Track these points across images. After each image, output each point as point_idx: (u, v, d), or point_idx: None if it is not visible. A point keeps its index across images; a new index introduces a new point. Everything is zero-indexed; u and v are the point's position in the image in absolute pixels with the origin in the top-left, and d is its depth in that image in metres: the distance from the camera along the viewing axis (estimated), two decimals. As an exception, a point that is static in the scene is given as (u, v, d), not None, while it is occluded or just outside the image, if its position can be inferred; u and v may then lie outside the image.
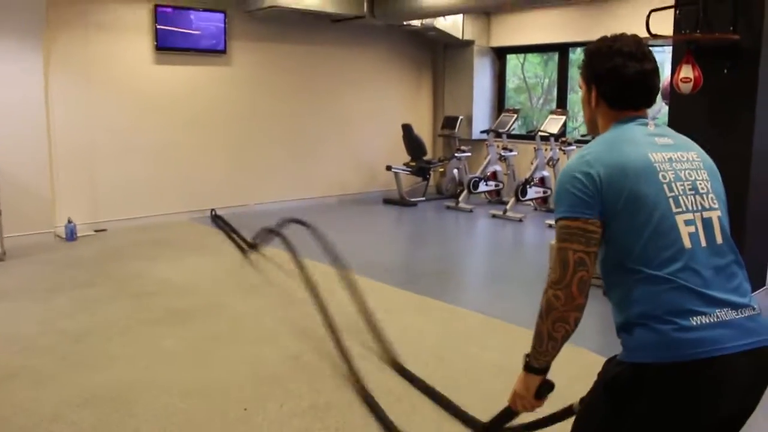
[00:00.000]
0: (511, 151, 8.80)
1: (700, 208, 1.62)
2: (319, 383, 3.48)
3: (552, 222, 7.63)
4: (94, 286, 5.17)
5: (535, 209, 8.69)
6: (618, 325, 1.64)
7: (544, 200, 8.60)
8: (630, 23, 7.93)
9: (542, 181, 8.48)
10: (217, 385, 3.46)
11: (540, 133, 8.41)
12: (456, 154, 9.32)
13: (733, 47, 4.49)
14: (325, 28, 8.82)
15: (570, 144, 8.12)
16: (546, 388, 1.76)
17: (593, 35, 7.06)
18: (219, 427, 3.04)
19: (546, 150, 8.45)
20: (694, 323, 1.50)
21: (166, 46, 7.46)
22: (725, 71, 4.58)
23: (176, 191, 7.79)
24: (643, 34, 5.39)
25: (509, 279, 5.73)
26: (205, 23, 7.71)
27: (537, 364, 1.71)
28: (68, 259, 6.04)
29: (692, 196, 1.62)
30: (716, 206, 1.65)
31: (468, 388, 3.43)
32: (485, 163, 9.00)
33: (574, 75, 9.53)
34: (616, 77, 1.72)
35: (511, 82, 10.32)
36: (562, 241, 1.61)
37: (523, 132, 9.54)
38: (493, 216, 8.28)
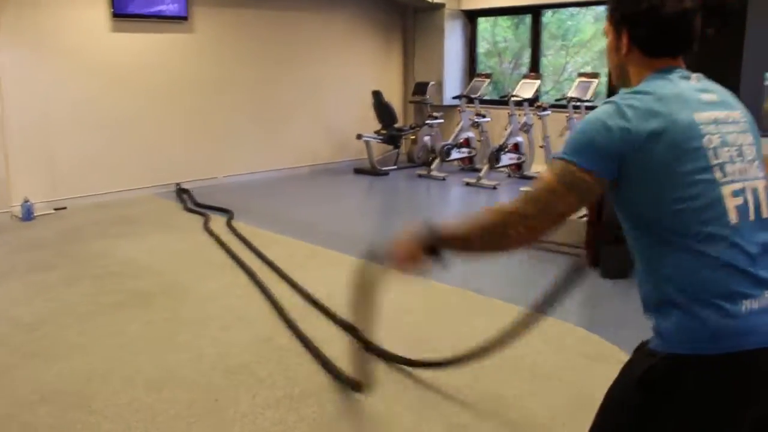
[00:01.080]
0: (483, 117, 8.60)
1: (747, 177, 1.41)
2: (293, 370, 3.29)
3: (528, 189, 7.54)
4: (52, 269, 4.90)
5: (509, 176, 8.53)
6: (648, 300, 1.44)
7: (518, 167, 8.44)
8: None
9: (516, 148, 8.31)
10: (185, 374, 3.25)
11: (513, 98, 8.22)
12: (427, 121, 9.11)
13: (720, 6, 4.32)
14: (290, -8, 8.49)
15: (545, 109, 7.94)
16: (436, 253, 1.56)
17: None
18: (188, 422, 2.83)
19: (520, 115, 8.27)
20: (743, 309, 1.31)
21: (124, 12, 7.08)
22: (710, 32, 4.41)
23: (139, 165, 7.48)
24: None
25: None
26: (163, -12, 7.33)
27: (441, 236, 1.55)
28: (24, 240, 5.74)
29: (740, 164, 1.41)
30: (762, 175, 1.45)
31: (456, 370, 3.27)
32: (457, 129, 8.80)
33: (547, 38, 9.34)
34: (652, 18, 1.47)
35: (481, 46, 10.09)
36: (559, 183, 1.41)
37: (495, 97, 9.35)
38: (467, 184, 8.11)
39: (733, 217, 1.36)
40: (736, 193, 1.38)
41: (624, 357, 3.35)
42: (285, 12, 8.55)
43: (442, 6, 9.32)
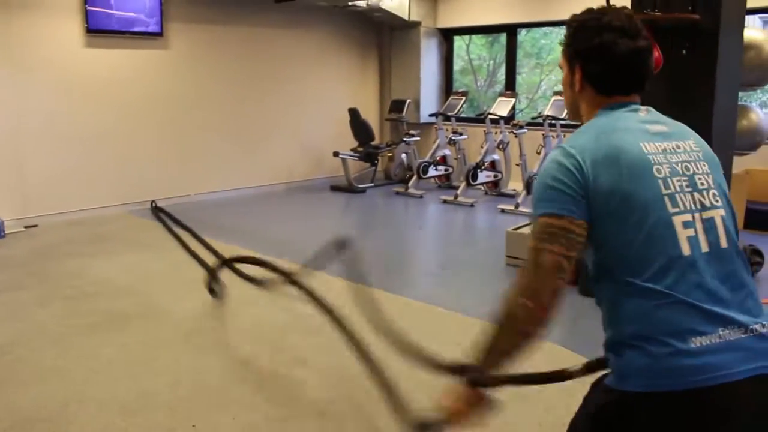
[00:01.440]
0: (460, 134, 8.64)
1: (699, 207, 1.39)
2: (273, 392, 3.24)
3: (505, 207, 7.63)
4: (23, 289, 4.79)
5: (486, 193, 8.56)
6: (606, 343, 1.42)
7: (495, 184, 8.48)
8: (582, 4, 7.84)
9: (493, 165, 8.35)
10: (162, 398, 3.18)
11: (490, 116, 8.27)
12: (404, 139, 9.12)
13: (693, 27, 4.39)
14: (267, 9, 8.46)
15: (521, 127, 7.99)
16: (489, 402, 1.50)
17: (543, 16, 6.98)
18: (165, 448, 2.78)
19: (496, 133, 8.32)
20: (694, 346, 1.29)
21: (98, 28, 7.01)
22: (684, 51, 4.48)
23: (113, 182, 7.38)
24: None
25: (463, 267, 5.57)
26: (139, 4, 7.28)
27: (480, 379, 1.47)
28: (-5, 259, 5.62)
29: (690, 194, 1.40)
30: (719, 204, 1.42)
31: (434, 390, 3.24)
32: (434, 147, 8.82)
33: (521, 56, 9.43)
34: (605, 56, 1.48)
35: (456, 64, 10.15)
36: (540, 240, 1.38)
37: (471, 115, 9.41)
38: (444, 201, 8.12)
39: (685, 248, 1.35)
40: (686, 224, 1.37)
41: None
42: (260, 29, 8.53)
43: (418, 24, 9.37)
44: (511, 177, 8.52)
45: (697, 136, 1.53)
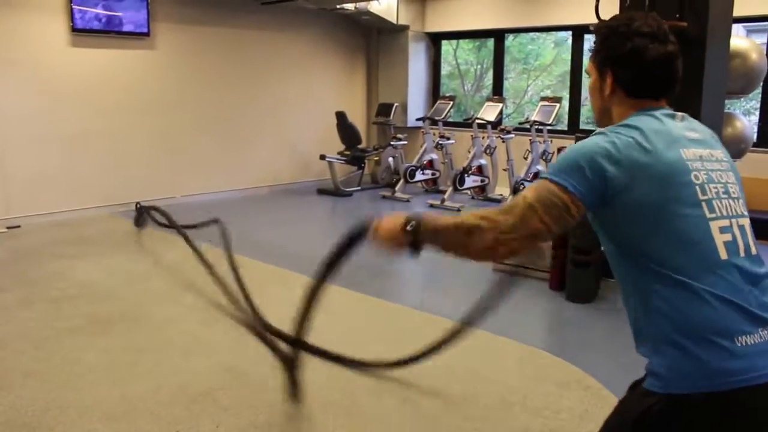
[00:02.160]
0: (448, 139, 8.64)
1: (734, 213, 1.42)
2: (257, 398, 3.21)
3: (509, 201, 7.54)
4: (5, 291, 4.72)
5: (473, 198, 8.57)
6: (642, 338, 1.42)
7: (482, 189, 8.48)
8: (569, 11, 7.92)
9: (480, 170, 8.35)
10: (144, 404, 3.14)
11: (477, 121, 8.27)
12: (391, 143, 9.11)
13: (680, 34, 4.40)
14: (255, 11, 8.43)
15: (508, 132, 8.00)
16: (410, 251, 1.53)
17: (530, 21, 6.99)
18: (147, 455, 2.74)
19: (483, 138, 8.33)
20: (740, 345, 1.30)
21: (84, 27, 6.95)
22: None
23: (97, 184, 7.31)
24: (585, 19, 5.29)
25: (451, 273, 5.56)
26: (126, 4, 7.22)
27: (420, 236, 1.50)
28: (-24, 260, 5.55)
29: (726, 200, 1.42)
30: (746, 213, 1.46)
31: (422, 395, 3.23)
32: (421, 151, 8.82)
33: (508, 62, 9.45)
34: (636, 61, 1.49)
35: (444, 68, 10.16)
36: (538, 201, 1.39)
37: (458, 119, 9.41)
38: (431, 206, 8.11)
39: (722, 252, 1.36)
40: (723, 230, 1.39)
41: (589, 381, 3.37)
42: (248, 31, 8.50)
43: (406, 28, 9.37)
44: (498, 182, 8.53)
45: (722, 145, 1.56)
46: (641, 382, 1.42)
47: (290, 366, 2.79)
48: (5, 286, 4.83)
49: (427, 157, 8.84)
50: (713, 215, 1.39)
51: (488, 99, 8.73)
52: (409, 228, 1.50)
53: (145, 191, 7.59)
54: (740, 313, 1.33)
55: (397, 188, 8.66)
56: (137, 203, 7.40)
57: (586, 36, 7.99)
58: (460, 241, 1.46)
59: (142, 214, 6.05)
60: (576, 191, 1.39)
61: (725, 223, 1.40)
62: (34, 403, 3.13)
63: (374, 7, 8.88)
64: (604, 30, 1.56)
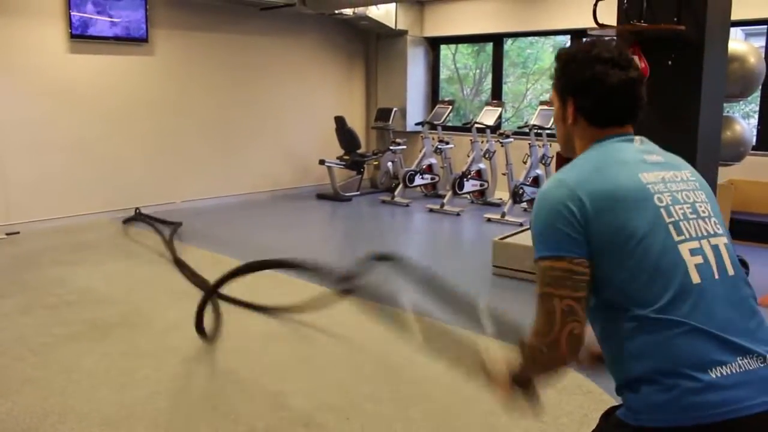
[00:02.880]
0: (446, 143, 8.65)
1: (705, 234, 1.37)
2: (257, 403, 3.20)
3: (491, 216, 7.63)
4: (3, 297, 4.71)
5: (473, 202, 8.57)
6: (619, 383, 1.38)
7: (481, 193, 8.48)
8: (568, 15, 7.93)
9: (479, 174, 8.36)
10: (143, 410, 3.13)
11: (476, 125, 8.28)
12: (390, 147, 9.11)
13: (678, 38, 4.42)
14: (253, 17, 8.44)
15: (508, 136, 8.00)
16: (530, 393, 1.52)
17: (529, 25, 6.99)
18: (146, 461, 2.73)
19: (482, 142, 8.33)
20: (715, 377, 1.25)
21: (82, 33, 6.96)
22: (670, 62, 4.51)
23: (97, 189, 7.31)
24: (583, 23, 5.30)
25: (450, 276, 5.54)
26: (124, 10, 7.23)
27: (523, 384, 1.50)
28: (-25, 266, 5.54)
29: (695, 221, 1.38)
30: (721, 231, 1.41)
31: (419, 406, 3.22)
32: (420, 155, 8.83)
33: (507, 66, 9.46)
34: (597, 88, 1.46)
35: (442, 72, 10.17)
36: (546, 285, 1.36)
37: (457, 124, 9.41)
38: (431, 210, 8.12)
39: (695, 276, 1.32)
40: (694, 252, 1.34)
41: (589, 386, 3.36)
42: (247, 36, 8.51)
43: (404, 33, 9.38)
44: (498, 186, 8.53)
45: (690, 166, 1.52)
46: (616, 409, 1.39)
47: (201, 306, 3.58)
48: (4, 292, 4.82)
49: (426, 162, 8.84)
50: (681, 237, 1.35)
51: (487, 103, 8.73)
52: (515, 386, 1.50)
53: (144, 197, 7.60)
54: (715, 342, 1.28)
55: (396, 193, 8.66)
56: (137, 209, 7.42)
57: (584, 40, 7.99)
58: (536, 367, 1.45)
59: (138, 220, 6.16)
60: (564, 252, 1.35)
61: (695, 245, 1.35)
62: (33, 409, 3.12)
63: (373, 12, 8.90)
64: (564, 57, 1.53)
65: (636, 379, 1.31)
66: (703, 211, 1.41)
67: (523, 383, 1.49)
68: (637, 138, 1.50)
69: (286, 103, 9.05)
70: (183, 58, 7.92)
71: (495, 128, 8.29)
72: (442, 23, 9.41)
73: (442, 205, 8.05)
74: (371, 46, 10.01)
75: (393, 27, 9.19)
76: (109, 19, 7.13)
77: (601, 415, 1.47)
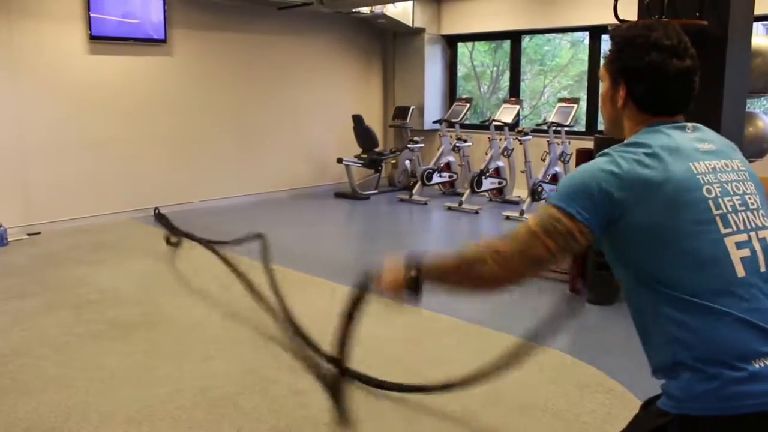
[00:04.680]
0: (464, 141, 8.62)
1: (753, 226, 1.34)
2: (279, 402, 3.21)
3: (510, 214, 7.60)
4: (26, 297, 4.76)
5: (491, 200, 8.54)
6: (657, 365, 1.37)
7: (499, 191, 8.45)
8: (586, 11, 7.87)
9: (497, 172, 8.32)
10: (165, 409, 3.15)
11: (494, 123, 8.25)
12: (408, 145, 9.10)
13: (701, 33, 4.37)
14: (271, 16, 8.46)
15: (526, 134, 7.96)
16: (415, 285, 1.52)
17: (547, 22, 6.95)
18: (169, 460, 2.74)
19: (501, 140, 8.29)
20: (759, 366, 1.24)
21: (102, 35, 7.01)
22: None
23: (116, 189, 7.36)
24: (603, 20, 5.25)
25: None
26: (143, 11, 7.28)
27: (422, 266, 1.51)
28: (-2, 266, 5.60)
29: (744, 213, 1.35)
30: None
31: (444, 401, 3.21)
32: (438, 153, 8.81)
33: (524, 63, 9.41)
34: (653, 77, 1.42)
35: (459, 70, 10.14)
36: (541, 227, 1.36)
37: (474, 121, 9.38)
38: (449, 208, 8.09)
39: (739, 269, 1.30)
40: (741, 245, 1.32)
41: (611, 384, 3.34)
42: (264, 35, 8.53)
43: (422, 31, 9.36)
44: (516, 184, 8.49)
45: (741, 154, 1.49)
46: (656, 399, 1.38)
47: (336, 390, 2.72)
48: (27, 292, 4.87)
49: (444, 160, 8.82)
50: (729, 230, 1.32)
51: (505, 101, 8.70)
52: (412, 275, 1.50)
53: (163, 196, 7.64)
54: (758, 334, 1.26)
55: (414, 191, 8.65)
56: (155, 208, 7.47)
57: (604, 37, 7.94)
58: (464, 276, 1.45)
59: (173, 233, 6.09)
60: (582, 218, 1.34)
61: (743, 237, 1.32)
62: (57, 408, 3.15)
63: (390, 11, 8.88)
64: (620, 40, 1.49)
65: (676, 363, 1.30)
66: (752, 203, 1.38)
67: (417, 283, 1.50)
68: (689, 125, 1.46)
69: (303, 102, 9.07)
70: (201, 58, 7.95)
71: (513, 126, 8.25)
72: (459, 21, 9.38)
73: (461, 203, 8.02)
74: (389, 45, 10.00)
75: (410, 25, 9.18)
76: (128, 20, 7.17)
77: (640, 406, 1.46)
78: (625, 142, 1.44)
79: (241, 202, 8.37)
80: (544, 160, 7.77)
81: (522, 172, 8.14)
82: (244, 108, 8.44)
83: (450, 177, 8.94)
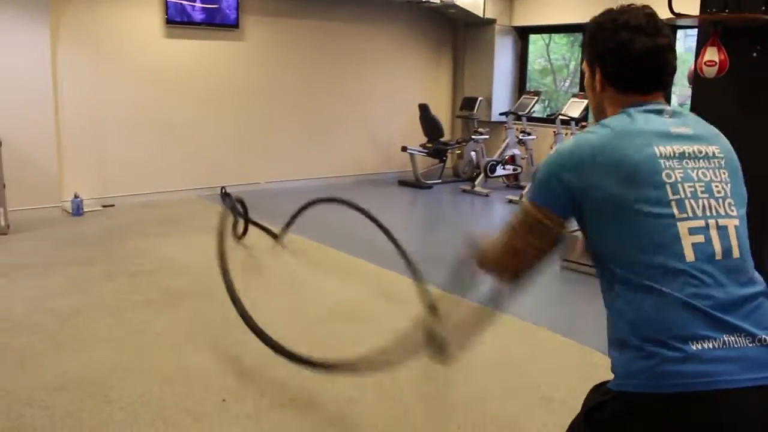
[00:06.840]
0: (529, 134, 8.57)
1: (714, 214, 1.36)
2: (305, 376, 3.32)
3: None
4: (92, 264, 5.09)
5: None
6: (609, 342, 1.42)
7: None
8: (663, 1, 7.65)
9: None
10: (199, 371, 3.35)
11: (560, 117, 8.16)
12: (473, 137, 9.10)
13: (764, 28, 4.23)
14: (342, 3, 8.62)
15: (590, 129, 7.82)
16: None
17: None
18: (191, 419, 2.92)
19: (566, 134, 8.20)
20: (695, 349, 1.26)
21: (177, 19, 7.33)
22: (755, 54, 4.33)
23: (185, 168, 7.70)
24: (683, 10, 5.11)
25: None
26: (218, -3, 7.57)
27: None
28: (71, 235, 5.97)
29: (705, 200, 1.36)
30: (734, 214, 1.39)
31: (464, 383, 3.29)
32: (503, 146, 8.78)
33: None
34: (621, 55, 1.47)
35: (537, 63, 10.03)
36: (519, 223, 1.49)
37: (543, 115, 9.29)
38: (510, 201, 8.06)
39: (689, 254, 1.32)
40: (694, 231, 1.34)
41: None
42: (335, 23, 8.69)
43: (493, 22, 9.32)
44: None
45: (726, 141, 1.49)
46: (605, 383, 1.42)
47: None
48: (93, 260, 5.19)
49: (509, 152, 8.79)
50: (683, 215, 1.34)
51: (574, 95, 8.58)
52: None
53: (230, 176, 7.93)
54: (702, 317, 1.29)
55: (477, 182, 8.65)
56: (222, 187, 7.73)
57: (680, 32, 7.71)
58: (485, 268, 1.63)
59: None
60: (547, 205, 1.43)
61: (699, 223, 1.34)
62: (103, 364, 3.41)
63: (461, 1, 8.88)
64: (592, 25, 1.54)
65: (622, 341, 1.36)
66: (719, 191, 1.39)
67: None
68: (668, 109, 1.47)
69: (371, 90, 9.20)
70: (272, 44, 8.19)
71: (580, 120, 8.14)
72: (532, 12, 9.28)
73: (522, 196, 7.99)
74: (459, 35, 10.00)
75: (481, 15, 9.15)
76: (203, 5, 7.46)
77: (591, 388, 1.50)
78: (600, 123, 1.49)
79: (306, 185, 8.57)
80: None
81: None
82: (312, 93, 8.64)
83: (514, 170, 8.90)
